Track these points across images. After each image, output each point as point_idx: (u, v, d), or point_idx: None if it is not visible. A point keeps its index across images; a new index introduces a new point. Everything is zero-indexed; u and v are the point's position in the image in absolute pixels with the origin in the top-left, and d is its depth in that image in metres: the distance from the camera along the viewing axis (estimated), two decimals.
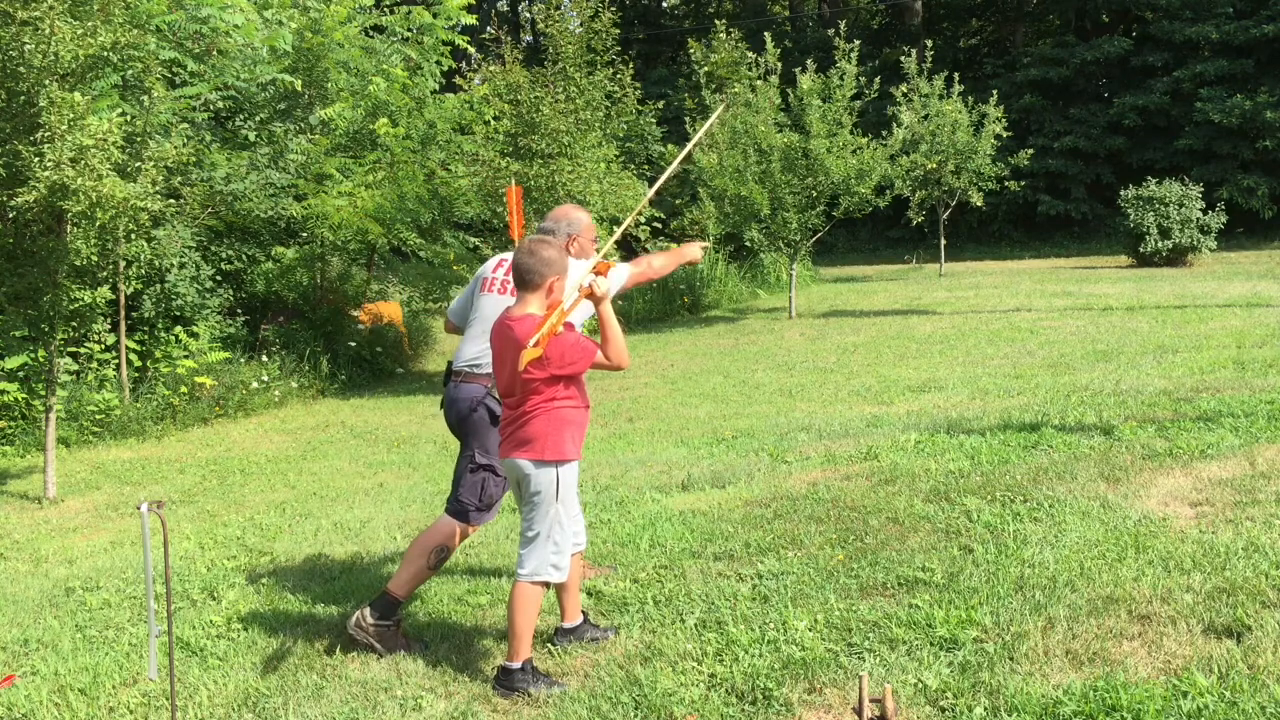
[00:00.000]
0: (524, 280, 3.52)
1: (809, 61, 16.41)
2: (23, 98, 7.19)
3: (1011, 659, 3.46)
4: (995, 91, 21.29)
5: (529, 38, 38.39)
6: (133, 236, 8.57)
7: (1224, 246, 20.60)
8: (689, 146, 4.44)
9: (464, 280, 14.35)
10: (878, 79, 17.47)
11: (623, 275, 4.10)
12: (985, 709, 3.17)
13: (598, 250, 4.00)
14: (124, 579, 5.42)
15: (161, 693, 3.74)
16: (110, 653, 4.27)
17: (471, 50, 16.35)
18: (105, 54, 7.53)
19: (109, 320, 10.94)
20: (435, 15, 15.64)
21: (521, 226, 4.16)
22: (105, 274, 8.25)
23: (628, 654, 3.80)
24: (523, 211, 4.15)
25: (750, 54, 17.71)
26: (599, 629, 4.03)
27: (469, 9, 16.02)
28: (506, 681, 3.59)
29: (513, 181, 4.39)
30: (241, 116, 13.96)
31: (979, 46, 33.93)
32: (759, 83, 16.19)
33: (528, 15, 41.81)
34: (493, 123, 12.92)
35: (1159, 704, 3.06)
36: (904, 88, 20.41)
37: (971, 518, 4.98)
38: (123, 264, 9.95)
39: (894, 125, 18.19)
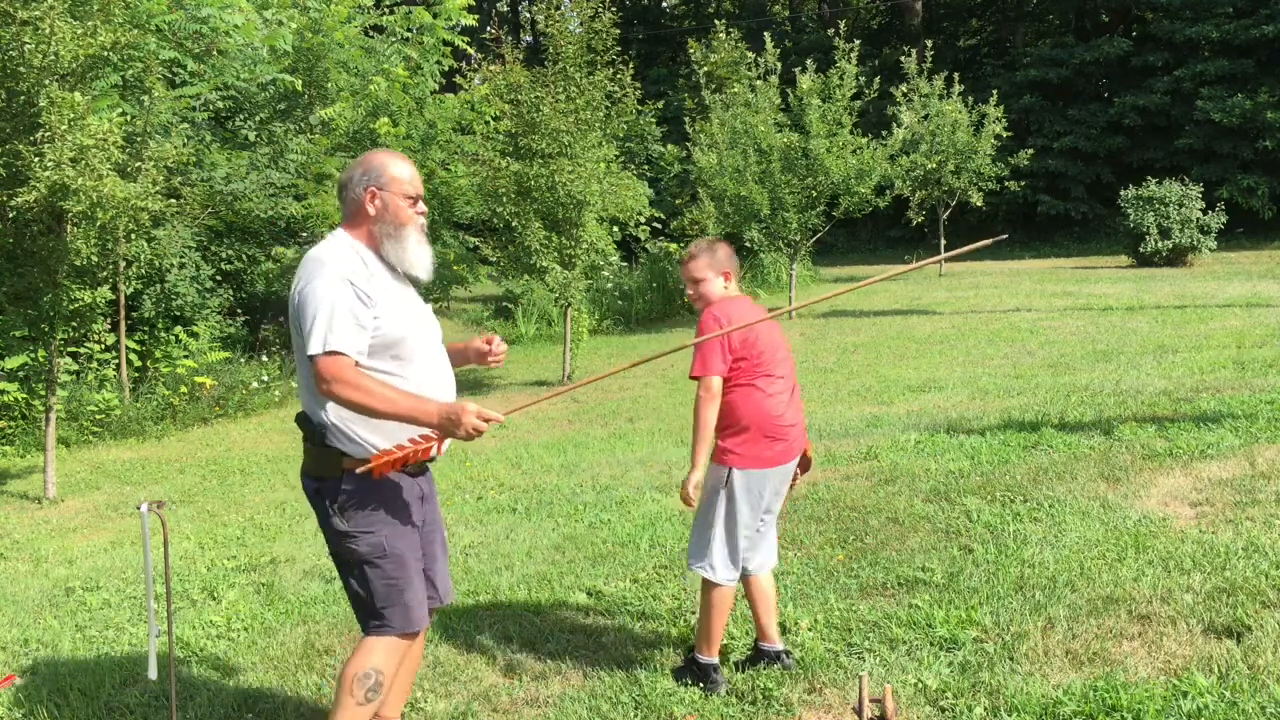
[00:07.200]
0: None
1: (809, 61, 16.41)
2: (23, 98, 7.19)
3: (1011, 659, 3.46)
4: (995, 92, 21.29)
5: (529, 38, 38.42)
6: (133, 236, 8.57)
7: (1224, 246, 20.57)
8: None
9: (464, 280, 14.34)
10: (878, 79, 17.49)
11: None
12: (985, 709, 3.16)
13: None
14: (124, 579, 5.42)
15: (161, 693, 3.74)
16: (110, 653, 4.27)
17: (471, 50, 16.36)
18: (105, 54, 7.53)
19: (109, 320, 10.95)
20: (435, 15, 15.67)
21: None
22: (105, 274, 8.25)
23: (628, 654, 3.80)
24: None
25: (750, 54, 17.71)
26: None
27: (469, 9, 16.05)
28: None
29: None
30: (241, 116, 13.98)
31: (979, 46, 33.91)
32: (759, 83, 16.18)
33: (528, 15, 41.82)
34: (493, 123, 12.91)
35: (1159, 704, 3.06)
36: (904, 88, 20.42)
37: (971, 518, 4.98)
38: (123, 264, 9.95)
39: (894, 125, 18.19)
